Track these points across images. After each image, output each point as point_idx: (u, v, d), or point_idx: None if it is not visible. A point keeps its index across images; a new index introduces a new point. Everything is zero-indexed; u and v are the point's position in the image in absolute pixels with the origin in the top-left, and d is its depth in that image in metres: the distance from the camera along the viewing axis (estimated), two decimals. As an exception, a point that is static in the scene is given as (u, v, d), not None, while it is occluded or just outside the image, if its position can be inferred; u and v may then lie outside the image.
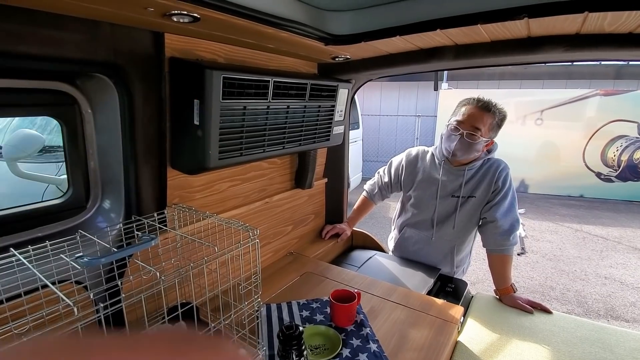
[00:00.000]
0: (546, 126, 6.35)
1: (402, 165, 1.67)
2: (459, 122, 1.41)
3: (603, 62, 6.62)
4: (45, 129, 2.21)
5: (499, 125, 1.44)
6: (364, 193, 1.87)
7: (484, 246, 1.52)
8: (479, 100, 1.41)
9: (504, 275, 1.43)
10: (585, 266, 3.75)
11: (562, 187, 6.48)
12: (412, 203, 1.64)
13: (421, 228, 1.64)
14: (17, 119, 2.38)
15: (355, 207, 1.91)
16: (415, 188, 1.63)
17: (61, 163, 1.91)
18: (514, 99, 6.37)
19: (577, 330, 1.22)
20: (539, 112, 6.34)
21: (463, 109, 1.44)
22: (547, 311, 1.32)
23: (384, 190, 1.79)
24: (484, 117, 1.38)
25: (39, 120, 2.32)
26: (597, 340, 1.16)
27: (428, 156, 1.62)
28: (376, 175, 1.83)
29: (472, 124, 1.39)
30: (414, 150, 1.68)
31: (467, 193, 1.51)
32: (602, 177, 6.28)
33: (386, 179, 1.76)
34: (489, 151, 1.52)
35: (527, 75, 7.15)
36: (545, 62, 1.36)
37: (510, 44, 1.07)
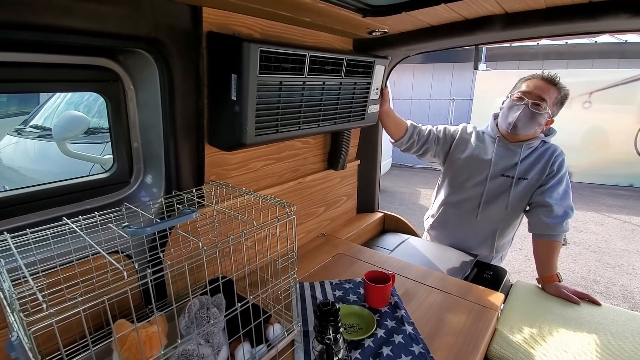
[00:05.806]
0: (595, 110, 5.85)
1: (457, 136, 1.59)
2: (524, 92, 1.37)
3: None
4: (88, 113, 2.32)
5: (562, 102, 1.39)
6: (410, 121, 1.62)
7: (530, 231, 1.44)
8: (544, 74, 1.37)
9: (549, 263, 1.35)
10: (633, 260, 3.50)
11: (610, 176, 6.02)
12: (457, 181, 1.57)
13: (464, 208, 1.56)
14: (62, 104, 2.52)
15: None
16: (462, 164, 1.55)
17: (105, 144, 2.00)
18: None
19: (628, 323, 1.14)
20: (587, 94, 5.86)
21: (526, 82, 1.39)
22: (595, 303, 1.24)
23: (429, 142, 1.57)
24: (550, 89, 1.34)
25: (82, 107, 2.45)
26: (651, 335, 1.08)
27: (481, 134, 1.56)
28: (429, 126, 1.63)
29: (538, 94, 1.34)
30: (469, 127, 1.61)
31: (520, 174, 1.44)
32: (656, 165, 5.76)
33: (439, 135, 1.58)
34: (546, 134, 1.46)
35: (575, 54, 6.59)
36: (604, 32, 1.23)
37: (568, 10, 0.97)
